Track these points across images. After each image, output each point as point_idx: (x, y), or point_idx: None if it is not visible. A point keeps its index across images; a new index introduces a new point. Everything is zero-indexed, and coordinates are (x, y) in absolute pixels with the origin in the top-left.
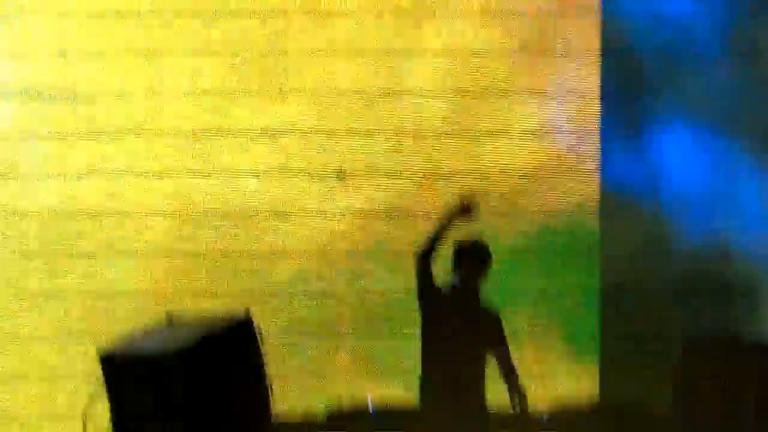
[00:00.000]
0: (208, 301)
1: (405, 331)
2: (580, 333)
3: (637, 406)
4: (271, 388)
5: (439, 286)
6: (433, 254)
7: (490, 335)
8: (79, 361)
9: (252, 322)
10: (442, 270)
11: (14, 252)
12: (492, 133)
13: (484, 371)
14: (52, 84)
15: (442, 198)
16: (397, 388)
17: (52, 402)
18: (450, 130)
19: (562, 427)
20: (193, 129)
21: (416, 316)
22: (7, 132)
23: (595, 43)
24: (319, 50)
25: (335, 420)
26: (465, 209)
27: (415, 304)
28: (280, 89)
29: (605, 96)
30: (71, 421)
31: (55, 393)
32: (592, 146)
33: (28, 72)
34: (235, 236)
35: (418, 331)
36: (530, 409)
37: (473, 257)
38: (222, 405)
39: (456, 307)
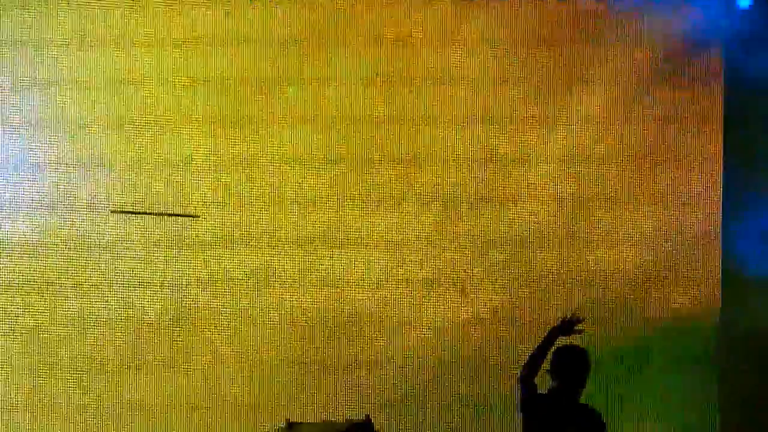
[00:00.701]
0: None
1: None
2: None
3: None
4: None
5: (540, 393)
6: (535, 371)
7: None
8: None
9: (372, 427)
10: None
11: None
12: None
13: None
14: None
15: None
16: None
17: None
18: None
19: None
20: None
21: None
22: None
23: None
24: None
25: None
26: (571, 325)
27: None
28: None
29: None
30: None
31: None
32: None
33: None
34: None
35: None
36: None
37: (574, 365)
38: None
39: (558, 410)
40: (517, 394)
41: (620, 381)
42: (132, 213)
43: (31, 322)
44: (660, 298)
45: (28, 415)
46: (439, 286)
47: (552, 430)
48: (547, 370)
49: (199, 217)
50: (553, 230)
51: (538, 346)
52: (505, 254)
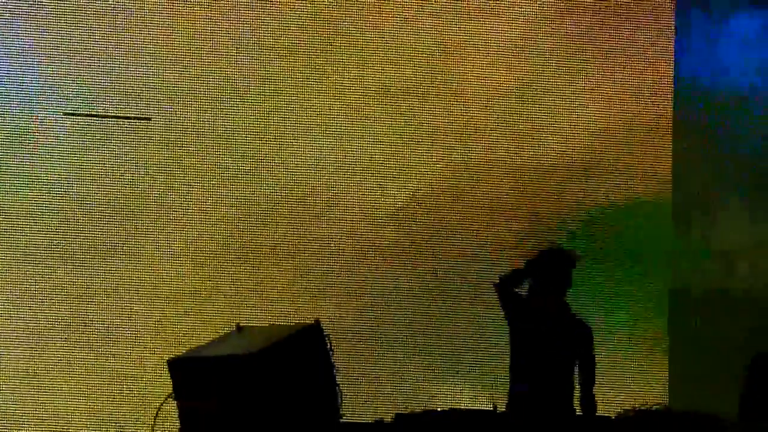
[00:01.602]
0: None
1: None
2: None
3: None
4: (340, 391)
5: (524, 298)
6: (513, 287)
7: (577, 345)
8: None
9: (320, 328)
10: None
11: None
12: None
13: (570, 380)
14: None
15: None
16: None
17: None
18: None
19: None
20: None
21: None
22: None
23: None
24: None
25: (405, 423)
26: (567, 260)
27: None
28: None
29: None
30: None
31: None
32: None
33: None
34: None
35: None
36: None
37: (558, 265)
38: (291, 405)
39: (543, 316)
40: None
41: None
42: (88, 116)
43: None
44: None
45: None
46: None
47: (539, 337)
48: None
49: (150, 119)
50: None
51: (525, 264)
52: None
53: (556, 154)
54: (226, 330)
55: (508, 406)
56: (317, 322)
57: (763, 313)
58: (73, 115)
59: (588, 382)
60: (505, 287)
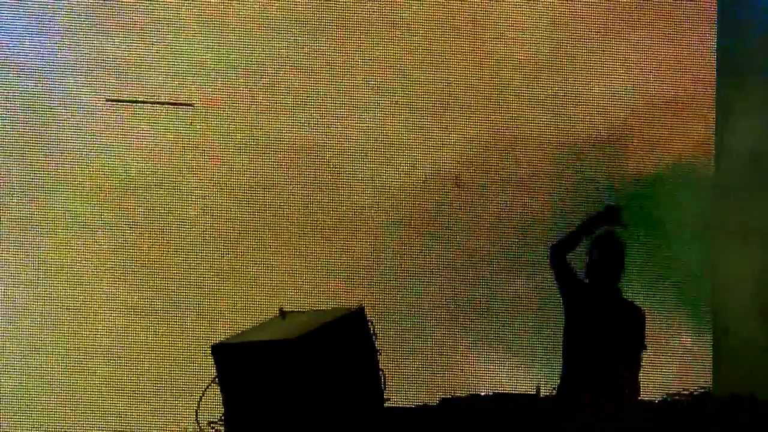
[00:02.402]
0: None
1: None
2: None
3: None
4: (384, 376)
5: (580, 278)
6: (568, 250)
7: (629, 331)
8: None
9: (364, 314)
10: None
11: None
12: None
13: (621, 366)
14: None
15: None
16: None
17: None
18: None
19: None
20: None
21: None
22: None
23: None
24: None
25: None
26: (614, 213)
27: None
28: None
29: None
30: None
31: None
32: None
33: None
34: None
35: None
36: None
37: (612, 252)
38: (335, 390)
39: (597, 300)
40: (555, 273)
41: None
42: (129, 102)
43: None
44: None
45: None
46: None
47: (593, 320)
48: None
49: (193, 105)
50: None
51: (577, 227)
52: None
53: (590, 126)
54: (269, 316)
55: (558, 388)
56: (361, 307)
57: None
58: (115, 101)
59: (636, 366)
60: (559, 253)
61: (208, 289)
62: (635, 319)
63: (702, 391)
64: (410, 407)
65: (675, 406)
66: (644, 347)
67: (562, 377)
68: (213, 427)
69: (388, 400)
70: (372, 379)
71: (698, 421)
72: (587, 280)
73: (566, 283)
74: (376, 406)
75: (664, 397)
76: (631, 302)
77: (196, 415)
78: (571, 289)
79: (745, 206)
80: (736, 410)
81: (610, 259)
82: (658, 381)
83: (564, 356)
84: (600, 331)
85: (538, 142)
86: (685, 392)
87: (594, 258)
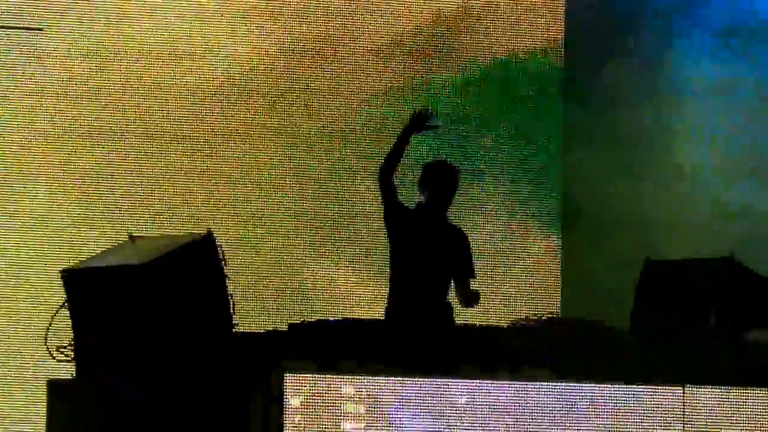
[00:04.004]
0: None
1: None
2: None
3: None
4: (233, 301)
5: (406, 204)
6: (394, 169)
7: (455, 256)
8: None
9: (213, 240)
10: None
11: None
12: None
13: (446, 289)
14: None
15: None
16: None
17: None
18: None
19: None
20: None
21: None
22: None
23: None
24: None
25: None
26: (422, 119)
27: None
28: None
29: None
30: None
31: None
32: None
33: None
34: None
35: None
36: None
37: (441, 178)
38: (184, 316)
39: (422, 226)
40: (382, 197)
41: None
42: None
43: None
44: None
45: None
46: None
47: (418, 244)
48: (417, 183)
49: (42, 29)
50: None
51: (393, 144)
52: None
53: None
54: (120, 242)
55: (385, 311)
56: (209, 232)
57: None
58: None
59: (465, 285)
60: (384, 173)
61: (56, 213)
62: (459, 242)
63: (550, 316)
64: (259, 332)
65: (523, 330)
66: (472, 275)
67: (388, 299)
68: (62, 352)
69: (237, 325)
70: (221, 305)
71: (546, 344)
72: (418, 206)
73: (390, 204)
74: (224, 331)
75: (513, 322)
76: (456, 227)
77: (46, 340)
78: (395, 210)
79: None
80: (583, 335)
81: (439, 186)
82: (507, 307)
83: (390, 279)
84: (422, 252)
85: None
86: (534, 317)
87: (426, 185)
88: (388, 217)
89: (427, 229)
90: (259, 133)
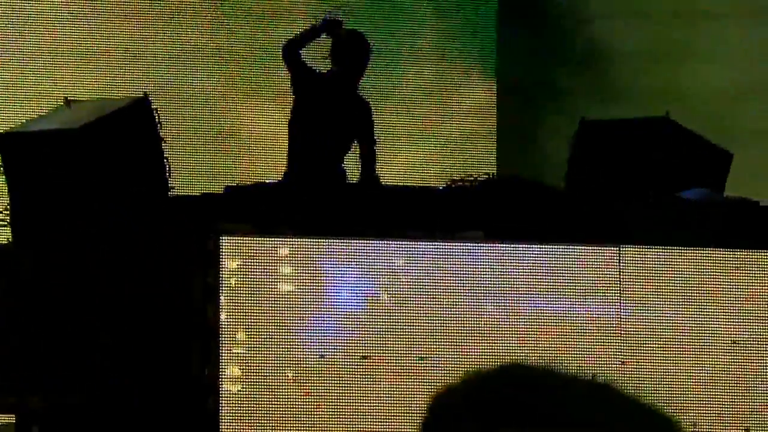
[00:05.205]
0: None
1: None
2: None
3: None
4: (169, 165)
5: (315, 74)
6: (297, 47)
7: (358, 124)
8: None
9: (148, 103)
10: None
11: None
12: None
13: (345, 151)
14: None
15: None
16: None
17: None
18: None
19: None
20: None
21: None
22: None
23: None
24: None
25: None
26: (331, 27)
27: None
28: None
29: None
30: None
31: None
32: None
33: None
34: None
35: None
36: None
37: (350, 49)
38: (121, 179)
39: (329, 93)
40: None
41: None
42: None
43: None
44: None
45: None
46: None
47: (322, 111)
48: (329, 54)
49: None
50: None
51: (304, 30)
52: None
53: None
54: (56, 106)
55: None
56: (145, 95)
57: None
58: None
59: (369, 158)
60: (288, 50)
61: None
62: (361, 110)
63: (486, 176)
64: (195, 195)
65: (459, 192)
66: (372, 141)
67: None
68: None
69: (173, 188)
70: (157, 168)
71: (482, 203)
72: (326, 75)
73: (297, 77)
74: (161, 194)
75: (448, 183)
76: (361, 96)
77: None
78: (302, 80)
79: None
80: (519, 193)
81: (350, 53)
82: (442, 167)
83: (289, 149)
84: (324, 118)
85: None
86: (470, 178)
87: (335, 51)
88: (295, 83)
89: (332, 96)
90: None
